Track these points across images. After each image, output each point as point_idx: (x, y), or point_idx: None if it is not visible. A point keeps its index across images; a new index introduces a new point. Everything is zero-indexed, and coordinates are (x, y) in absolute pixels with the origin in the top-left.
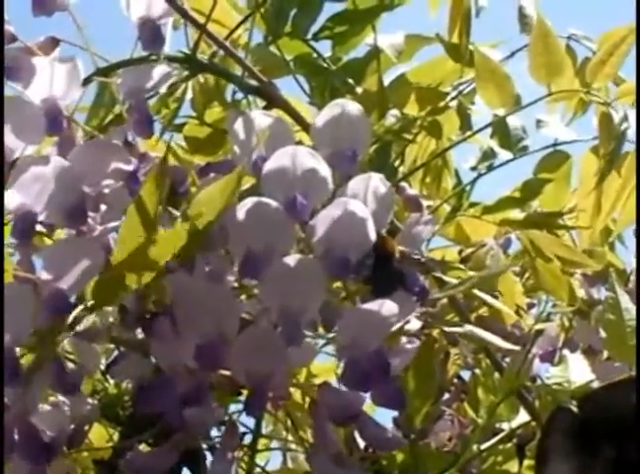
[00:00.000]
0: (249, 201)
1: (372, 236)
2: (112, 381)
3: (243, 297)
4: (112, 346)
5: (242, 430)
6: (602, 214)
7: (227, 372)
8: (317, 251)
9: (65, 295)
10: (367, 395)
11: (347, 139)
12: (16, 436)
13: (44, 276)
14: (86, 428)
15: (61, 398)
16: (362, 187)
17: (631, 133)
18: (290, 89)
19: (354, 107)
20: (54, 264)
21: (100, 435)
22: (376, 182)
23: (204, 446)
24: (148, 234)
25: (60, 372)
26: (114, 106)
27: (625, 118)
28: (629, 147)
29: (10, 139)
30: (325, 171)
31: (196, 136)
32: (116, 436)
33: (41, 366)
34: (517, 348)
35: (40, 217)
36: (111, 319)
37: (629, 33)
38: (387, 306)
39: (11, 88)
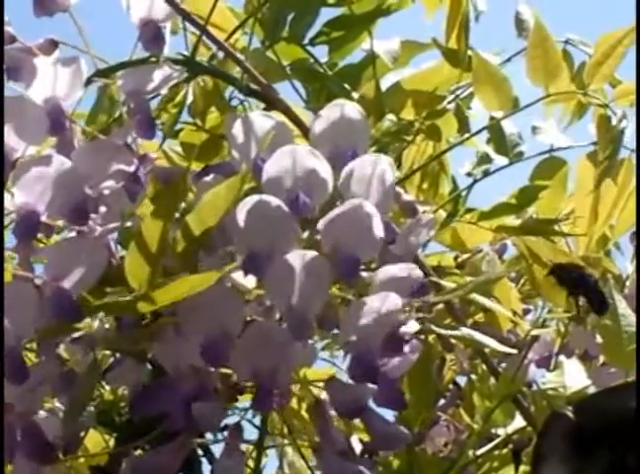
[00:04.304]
0: (250, 200)
1: (380, 235)
2: (107, 387)
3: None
4: (107, 352)
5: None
6: (600, 222)
7: (228, 374)
8: (325, 251)
9: (69, 295)
10: (374, 388)
11: (346, 140)
12: (19, 437)
13: (47, 275)
14: (82, 434)
15: (57, 404)
16: (369, 169)
17: (629, 135)
18: (287, 94)
19: (352, 107)
20: (57, 263)
21: (96, 442)
22: (384, 166)
23: (199, 451)
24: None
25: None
26: (113, 110)
27: (624, 117)
28: (625, 154)
29: (12, 139)
30: (325, 169)
31: (192, 142)
32: (112, 443)
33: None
34: (513, 351)
35: (43, 217)
36: (107, 325)
37: (626, 34)
38: (390, 299)
39: (12, 89)
